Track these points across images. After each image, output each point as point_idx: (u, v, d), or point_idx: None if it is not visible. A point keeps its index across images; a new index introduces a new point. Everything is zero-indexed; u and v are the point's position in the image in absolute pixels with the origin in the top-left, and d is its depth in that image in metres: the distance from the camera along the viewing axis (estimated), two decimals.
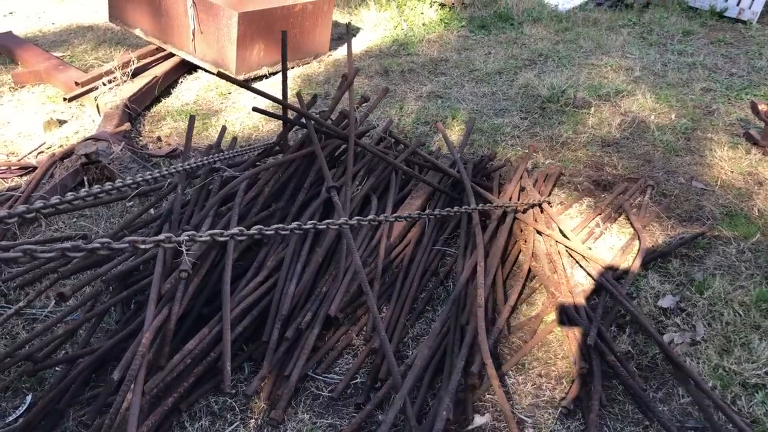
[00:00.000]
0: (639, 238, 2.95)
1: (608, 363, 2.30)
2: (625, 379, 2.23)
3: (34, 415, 2.14)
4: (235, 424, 2.19)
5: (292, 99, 3.25)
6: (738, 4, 6.11)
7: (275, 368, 2.27)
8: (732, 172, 3.55)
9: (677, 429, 2.08)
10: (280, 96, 3.00)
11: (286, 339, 2.31)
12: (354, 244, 2.44)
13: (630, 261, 2.86)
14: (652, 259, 2.87)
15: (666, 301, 2.63)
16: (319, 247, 2.64)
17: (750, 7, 6.03)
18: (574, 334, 2.40)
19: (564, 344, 2.47)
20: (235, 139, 3.69)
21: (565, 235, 2.89)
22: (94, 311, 2.46)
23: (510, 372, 2.38)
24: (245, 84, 2.88)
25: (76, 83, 4.58)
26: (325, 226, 1.60)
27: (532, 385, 2.33)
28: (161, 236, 1.23)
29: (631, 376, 2.25)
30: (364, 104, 3.66)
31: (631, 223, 3.11)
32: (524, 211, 3.02)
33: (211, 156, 2.96)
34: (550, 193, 3.38)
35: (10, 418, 2.22)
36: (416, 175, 3.13)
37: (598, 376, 2.23)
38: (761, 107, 3.78)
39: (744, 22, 6.04)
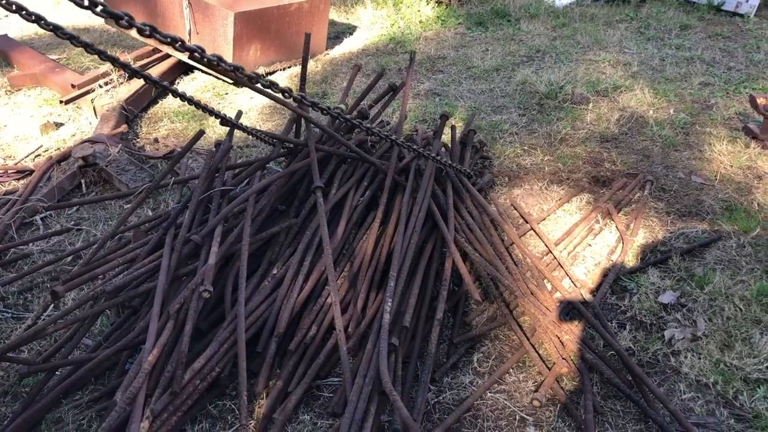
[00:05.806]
0: (623, 241, 2.95)
1: (586, 361, 2.29)
2: (610, 378, 2.23)
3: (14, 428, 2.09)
4: (236, 426, 2.17)
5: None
6: None
7: (279, 378, 2.25)
8: (731, 166, 3.54)
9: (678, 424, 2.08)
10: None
11: (290, 351, 2.30)
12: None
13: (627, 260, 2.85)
14: (659, 261, 2.85)
15: (666, 297, 2.62)
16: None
17: (747, 1, 6.01)
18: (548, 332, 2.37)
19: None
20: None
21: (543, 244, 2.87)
22: (87, 311, 2.40)
23: (511, 370, 2.37)
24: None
25: (73, 86, 4.56)
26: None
27: (533, 383, 2.32)
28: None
29: (616, 374, 2.24)
30: (374, 102, 3.59)
31: (615, 225, 3.09)
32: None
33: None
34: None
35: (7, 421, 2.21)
36: (403, 182, 3.04)
37: (587, 377, 2.23)
38: (760, 101, 3.76)
39: (741, 16, 6.03)
